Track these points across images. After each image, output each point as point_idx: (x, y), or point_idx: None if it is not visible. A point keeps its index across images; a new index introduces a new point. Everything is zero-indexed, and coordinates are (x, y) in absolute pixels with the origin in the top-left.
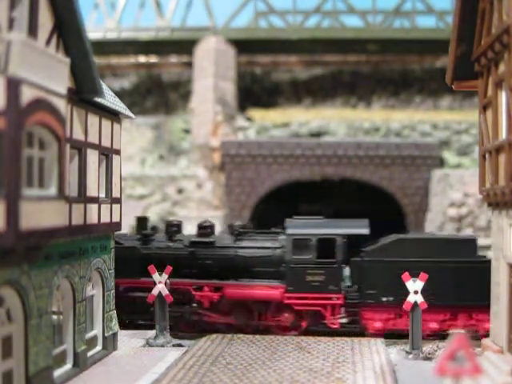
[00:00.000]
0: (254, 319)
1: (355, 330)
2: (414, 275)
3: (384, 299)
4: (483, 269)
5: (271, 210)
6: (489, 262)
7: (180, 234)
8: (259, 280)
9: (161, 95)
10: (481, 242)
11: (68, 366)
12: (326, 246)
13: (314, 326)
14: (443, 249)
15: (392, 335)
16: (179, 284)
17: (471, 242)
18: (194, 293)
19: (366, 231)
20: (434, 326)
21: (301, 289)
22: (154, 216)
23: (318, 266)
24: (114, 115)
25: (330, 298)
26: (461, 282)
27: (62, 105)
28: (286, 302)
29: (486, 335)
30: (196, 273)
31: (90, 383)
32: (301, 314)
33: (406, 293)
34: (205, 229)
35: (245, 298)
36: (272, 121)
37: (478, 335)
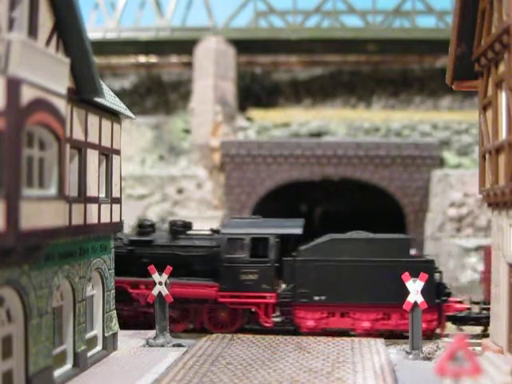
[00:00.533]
0: (190, 317)
1: (290, 328)
2: (346, 275)
3: (316, 298)
4: (417, 268)
5: (271, 209)
6: (423, 261)
7: (121, 232)
8: (195, 278)
9: (161, 95)
10: (481, 242)
11: (68, 366)
12: (259, 245)
13: (249, 324)
14: (377, 248)
15: (392, 335)
16: (117, 282)
17: (405, 242)
18: (130, 290)
19: (299, 231)
20: (366, 325)
21: (235, 287)
22: (153, 216)
23: (251, 265)
24: (114, 115)
25: (263, 297)
26: (394, 282)
27: (62, 105)
28: (221, 300)
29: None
30: (134, 271)
31: (89, 383)
32: (235, 312)
33: (338, 292)
34: (145, 227)
35: (180, 296)
36: (272, 121)
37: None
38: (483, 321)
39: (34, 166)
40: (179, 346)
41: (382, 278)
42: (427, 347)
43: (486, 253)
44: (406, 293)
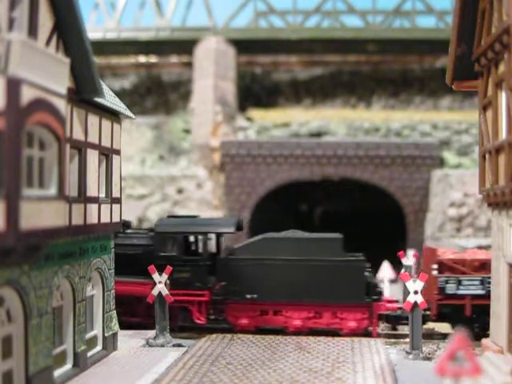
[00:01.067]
0: (127, 314)
1: (224, 326)
2: (278, 273)
3: (248, 296)
4: (348, 267)
5: (271, 209)
6: (354, 261)
7: None
8: (133, 277)
9: (161, 95)
10: (481, 242)
11: (68, 366)
12: (191, 243)
13: (185, 322)
14: (309, 248)
15: (392, 335)
16: None
17: (337, 241)
18: None
19: (231, 230)
20: (298, 323)
21: (169, 285)
22: (153, 216)
23: (184, 263)
24: (114, 115)
25: (196, 295)
26: (326, 281)
27: (62, 105)
28: None
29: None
30: None
31: (89, 383)
32: (171, 309)
33: (270, 290)
34: None
35: (120, 294)
36: (272, 121)
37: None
38: None
39: (34, 165)
40: (179, 345)
41: (313, 277)
42: (427, 347)
43: (426, 252)
44: (338, 292)
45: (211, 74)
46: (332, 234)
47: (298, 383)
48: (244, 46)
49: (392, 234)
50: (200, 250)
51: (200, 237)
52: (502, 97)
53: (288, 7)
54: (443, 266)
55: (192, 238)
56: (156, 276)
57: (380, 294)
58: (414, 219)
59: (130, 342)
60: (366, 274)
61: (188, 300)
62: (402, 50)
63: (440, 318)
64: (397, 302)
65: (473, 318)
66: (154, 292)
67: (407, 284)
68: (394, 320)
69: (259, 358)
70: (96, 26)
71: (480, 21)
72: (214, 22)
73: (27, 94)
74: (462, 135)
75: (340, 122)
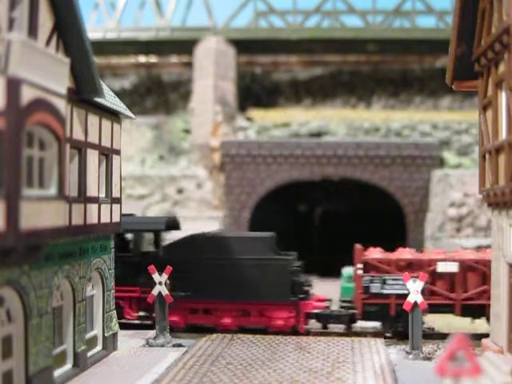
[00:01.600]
0: None
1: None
2: (207, 272)
3: (179, 294)
4: (275, 267)
5: (271, 209)
6: (282, 260)
7: None
8: None
9: (161, 95)
10: (481, 242)
11: (68, 366)
12: (123, 240)
13: (120, 318)
14: (238, 247)
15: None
16: None
17: (267, 240)
18: None
19: (161, 227)
20: (227, 321)
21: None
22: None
23: (116, 259)
24: (114, 115)
25: (127, 291)
26: (254, 280)
27: (62, 105)
28: None
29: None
30: None
31: (89, 383)
32: None
33: (199, 289)
34: None
35: None
36: (272, 121)
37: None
38: (343, 319)
39: (34, 165)
40: (179, 346)
41: (242, 276)
42: (427, 347)
43: (355, 252)
44: (265, 291)
45: (211, 74)
46: (263, 234)
47: (298, 383)
48: (244, 45)
49: (392, 234)
50: (129, 247)
51: (131, 234)
52: (502, 97)
53: (288, 7)
54: (369, 266)
55: (129, 236)
56: (156, 276)
57: (307, 292)
58: (414, 219)
59: (129, 341)
60: (294, 273)
61: (119, 296)
62: (402, 49)
63: (366, 317)
64: (326, 301)
65: (397, 318)
66: (154, 292)
67: (407, 284)
68: (324, 319)
69: (259, 358)
70: (96, 26)
71: (480, 21)
72: (213, 22)
73: (27, 94)
74: (462, 135)
75: (340, 122)
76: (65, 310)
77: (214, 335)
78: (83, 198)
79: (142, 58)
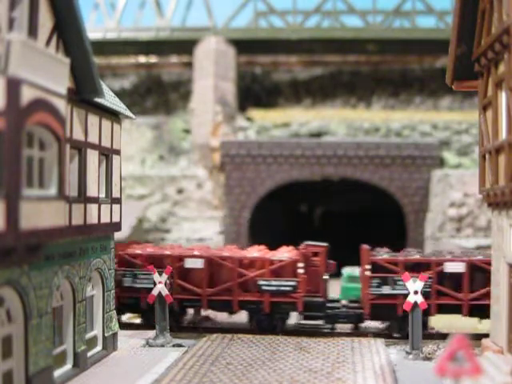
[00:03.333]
0: None
1: None
2: None
3: None
4: None
5: (271, 210)
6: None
7: None
8: None
9: (161, 95)
10: (481, 242)
11: (68, 366)
12: None
13: None
14: None
15: (392, 335)
16: None
17: None
18: None
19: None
20: None
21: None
22: (153, 216)
23: None
24: (114, 115)
25: None
26: None
27: (62, 105)
28: None
29: None
30: None
31: (89, 383)
32: None
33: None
34: None
35: None
36: (272, 121)
37: None
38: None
39: (34, 165)
40: (179, 346)
41: None
42: (427, 347)
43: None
44: None
45: (211, 74)
46: None
47: (298, 383)
48: (244, 46)
49: (392, 234)
50: None
51: None
52: (502, 97)
53: (288, 7)
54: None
55: None
56: (156, 276)
57: None
58: (414, 219)
59: (129, 341)
60: None
61: None
62: (402, 49)
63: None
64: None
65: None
66: (154, 292)
67: (407, 284)
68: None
69: (259, 358)
70: (96, 26)
71: (480, 21)
72: (213, 22)
73: (27, 94)
74: (462, 135)
75: (340, 122)
76: (65, 310)
77: (214, 335)
78: (83, 198)
79: (142, 58)
